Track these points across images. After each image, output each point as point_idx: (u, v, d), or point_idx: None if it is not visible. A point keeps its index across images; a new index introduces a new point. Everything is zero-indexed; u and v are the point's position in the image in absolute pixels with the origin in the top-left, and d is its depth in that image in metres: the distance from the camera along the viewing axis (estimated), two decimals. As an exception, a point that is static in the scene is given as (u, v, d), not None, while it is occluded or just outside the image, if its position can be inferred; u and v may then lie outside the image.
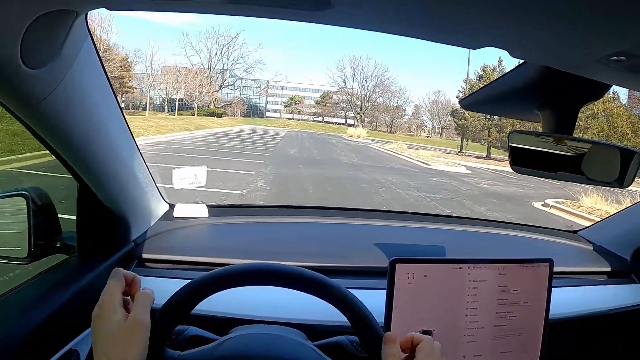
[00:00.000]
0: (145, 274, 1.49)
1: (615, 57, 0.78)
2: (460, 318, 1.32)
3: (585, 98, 1.11)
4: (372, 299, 1.31)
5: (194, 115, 53.77)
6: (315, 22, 0.84)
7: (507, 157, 1.17)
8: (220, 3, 0.80)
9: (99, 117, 1.20)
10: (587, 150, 1.11)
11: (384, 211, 2.28)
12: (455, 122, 47.34)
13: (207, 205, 1.92)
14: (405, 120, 73.10)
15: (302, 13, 0.80)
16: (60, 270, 1.39)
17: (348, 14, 0.83)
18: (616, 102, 33.79)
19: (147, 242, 1.65)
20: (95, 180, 1.34)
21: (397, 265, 1.26)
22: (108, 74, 1.21)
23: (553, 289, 1.55)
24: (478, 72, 42.90)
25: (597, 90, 1.09)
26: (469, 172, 22.71)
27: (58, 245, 1.43)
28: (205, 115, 56.06)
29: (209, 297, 1.07)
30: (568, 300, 1.65)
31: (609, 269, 1.88)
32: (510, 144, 1.11)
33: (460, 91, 46.17)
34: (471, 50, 0.93)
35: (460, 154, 41.25)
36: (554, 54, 0.87)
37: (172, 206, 1.88)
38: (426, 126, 71.30)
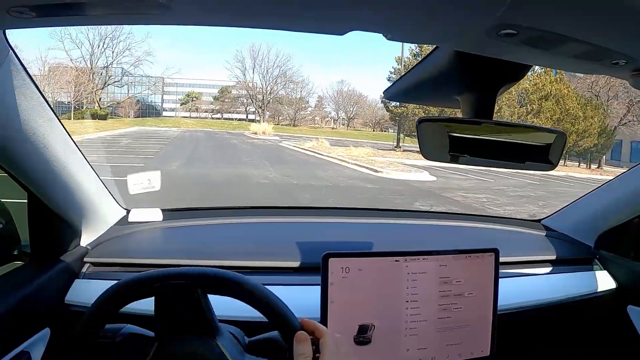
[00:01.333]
0: (98, 277, 1.56)
1: (505, 31, 0.75)
2: (400, 311, 1.31)
3: (502, 80, 1.07)
4: (309, 295, 1.33)
5: (70, 119, 44.80)
6: (163, 24, 0.86)
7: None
8: (82, 16, 0.83)
9: (33, 128, 1.22)
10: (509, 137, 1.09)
11: (328, 208, 2.29)
12: (391, 109, 41.55)
13: (162, 210, 1.94)
14: (309, 112, 69.15)
15: (150, 17, 0.83)
16: (12, 275, 1.42)
17: (192, 13, 0.84)
18: (562, 82, 32.70)
19: (100, 246, 1.68)
20: (39, 189, 1.37)
21: (330, 259, 1.27)
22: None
23: (510, 280, 1.55)
24: (413, 50, 37.56)
25: (515, 71, 1.06)
26: (434, 178, 18.07)
27: (15, 253, 1.50)
28: (83, 119, 47.26)
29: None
30: (525, 291, 1.63)
31: (572, 256, 1.85)
32: (419, 133, 1.09)
33: (391, 72, 41.07)
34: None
35: (397, 149, 34.76)
36: (433, 32, 0.85)
37: (128, 211, 1.90)
38: (330, 117, 67.60)
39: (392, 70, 38.72)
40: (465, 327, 1.36)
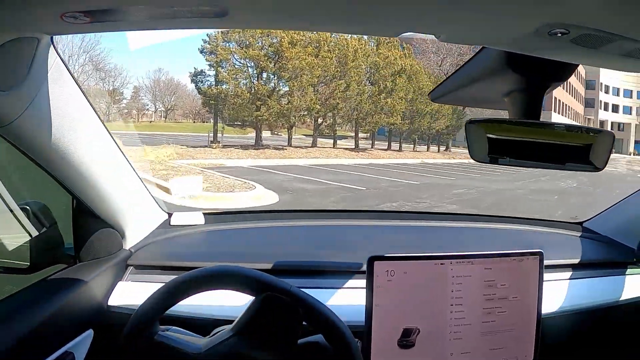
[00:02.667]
0: (141, 279, 1.60)
1: (555, 31, 0.77)
2: (444, 315, 1.32)
3: (549, 79, 1.10)
4: (355, 298, 1.37)
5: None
6: (221, 28, 0.89)
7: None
8: (139, 21, 0.88)
9: (78, 134, 1.27)
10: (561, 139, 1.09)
11: (372, 211, 2.32)
12: (204, 91, 28.03)
13: (203, 213, 1.98)
14: (124, 104, 61.93)
15: (204, 21, 0.85)
16: (57, 278, 1.46)
17: (248, 18, 0.88)
18: (412, 57, 30.23)
19: (143, 249, 1.73)
20: (84, 193, 1.43)
21: (376, 263, 1.28)
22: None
23: (552, 283, 1.55)
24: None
25: (562, 70, 1.08)
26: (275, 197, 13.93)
27: (58, 256, 1.53)
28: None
29: (191, 299, 1.15)
30: (568, 294, 1.62)
31: (615, 259, 1.85)
32: (468, 134, 1.11)
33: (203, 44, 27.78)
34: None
35: (214, 144, 24.35)
36: (485, 33, 0.87)
37: (170, 215, 1.95)
38: (148, 109, 59.60)
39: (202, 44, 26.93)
40: (510, 332, 1.36)
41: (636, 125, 77.55)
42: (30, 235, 1.45)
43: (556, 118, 45.61)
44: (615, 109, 77.72)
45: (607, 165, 1.09)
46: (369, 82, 28.36)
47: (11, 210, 1.47)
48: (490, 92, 1.22)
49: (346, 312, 1.19)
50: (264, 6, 0.80)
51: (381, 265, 1.29)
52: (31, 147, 1.20)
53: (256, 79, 25.54)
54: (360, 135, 29.66)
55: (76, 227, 1.53)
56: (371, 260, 1.28)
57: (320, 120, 27.29)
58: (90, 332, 1.44)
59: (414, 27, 0.84)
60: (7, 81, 0.99)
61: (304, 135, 31.27)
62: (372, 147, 28.88)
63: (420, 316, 1.32)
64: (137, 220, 1.69)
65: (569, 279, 1.69)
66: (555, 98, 47.62)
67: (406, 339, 1.31)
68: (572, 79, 58.41)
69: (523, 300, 1.37)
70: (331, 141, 27.67)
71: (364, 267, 1.31)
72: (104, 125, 1.38)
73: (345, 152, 25.55)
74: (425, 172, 19.83)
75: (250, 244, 1.88)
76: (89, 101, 1.30)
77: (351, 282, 1.54)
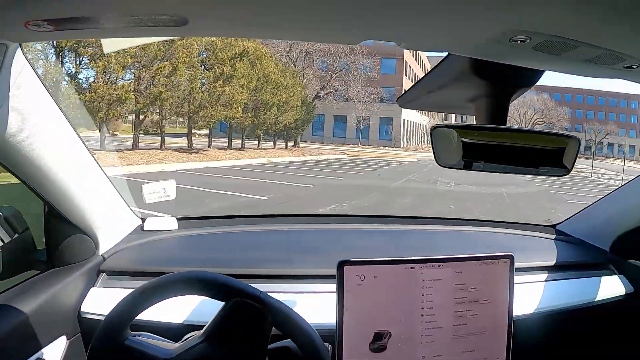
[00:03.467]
0: (113, 285, 1.60)
1: (516, 38, 0.78)
2: (416, 318, 1.33)
3: (515, 85, 1.11)
4: (325, 303, 1.38)
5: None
6: (181, 36, 0.90)
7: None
8: (100, 29, 0.88)
9: (47, 139, 1.28)
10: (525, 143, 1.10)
11: (341, 215, 2.33)
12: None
13: (177, 218, 1.98)
14: None
15: (165, 30, 0.86)
16: (28, 283, 1.47)
17: (208, 26, 0.89)
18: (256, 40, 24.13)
19: (116, 255, 1.73)
20: (54, 199, 1.43)
21: (345, 267, 1.29)
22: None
23: (524, 285, 1.57)
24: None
25: (528, 77, 1.09)
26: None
27: (31, 262, 1.54)
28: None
29: (162, 304, 1.16)
30: (540, 296, 1.65)
31: (588, 260, 1.88)
32: (433, 140, 1.12)
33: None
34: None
35: None
36: (445, 39, 0.88)
37: (143, 220, 1.95)
38: None
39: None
40: (481, 334, 1.38)
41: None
42: (2, 240, 1.44)
43: (405, 110, 44.44)
44: None
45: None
46: (204, 67, 23.12)
47: None
48: (457, 97, 1.23)
49: (317, 317, 1.20)
50: (222, 15, 0.81)
51: (351, 269, 1.30)
52: (1, 153, 1.20)
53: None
54: (201, 132, 26.40)
55: (48, 232, 1.54)
56: (341, 265, 1.30)
57: (142, 116, 21.07)
58: (63, 339, 1.45)
59: (373, 34, 0.85)
60: None
61: (123, 134, 26.67)
62: (209, 147, 23.75)
63: (391, 320, 1.33)
64: (109, 225, 1.70)
65: (542, 281, 1.72)
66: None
67: (378, 343, 1.32)
68: (420, 73, 56.61)
69: (494, 303, 1.38)
70: (159, 140, 21.69)
71: (333, 272, 1.32)
72: (75, 130, 1.39)
73: (174, 155, 20.15)
74: (273, 172, 17.26)
75: (223, 249, 1.89)
76: (58, 106, 1.31)
77: (322, 287, 1.55)
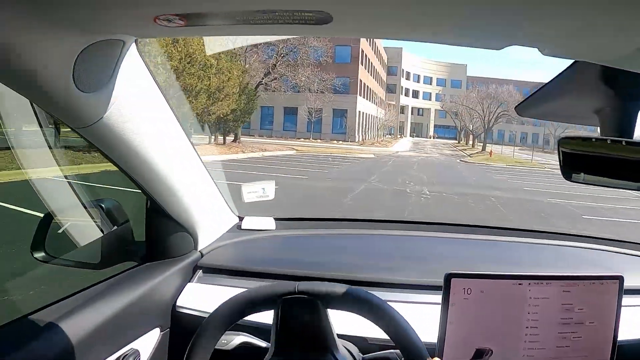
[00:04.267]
0: (209, 282, 1.67)
1: None
2: (519, 337, 1.31)
3: None
4: (427, 314, 1.37)
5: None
6: (323, 36, 0.91)
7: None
8: (236, 25, 0.88)
9: (157, 136, 1.33)
10: None
11: (441, 224, 2.31)
12: None
13: (274, 218, 2.03)
14: None
15: (308, 28, 0.86)
16: (128, 275, 1.55)
17: (352, 25, 0.89)
18: None
19: (213, 252, 1.80)
20: (160, 194, 1.50)
21: (453, 280, 1.28)
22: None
23: (629, 309, 1.50)
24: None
25: None
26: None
27: (129, 253, 1.62)
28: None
29: None
30: None
31: None
32: (561, 149, 1.10)
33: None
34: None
35: None
36: (588, 47, 0.86)
37: (241, 219, 2.00)
38: None
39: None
40: (583, 358, 1.34)
41: (435, 110, 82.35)
42: (102, 231, 1.53)
43: (360, 101, 45.23)
44: (415, 94, 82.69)
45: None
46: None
47: (85, 207, 1.55)
48: (581, 107, 1.21)
49: (418, 328, 1.20)
50: (368, 13, 0.81)
51: (458, 282, 1.28)
52: (111, 148, 1.25)
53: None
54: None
55: (149, 226, 1.62)
56: (448, 277, 1.28)
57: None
58: (156, 331, 1.51)
59: (518, 41, 0.85)
60: (92, 83, 1.04)
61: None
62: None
63: (494, 337, 1.31)
64: (208, 222, 1.76)
65: None
66: (361, 81, 46.12)
67: None
68: (376, 64, 58.94)
69: (599, 325, 1.34)
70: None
71: (437, 282, 1.31)
72: (182, 127, 1.44)
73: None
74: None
75: (322, 253, 1.92)
76: (168, 103, 1.36)
77: (423, 297, 1.55)
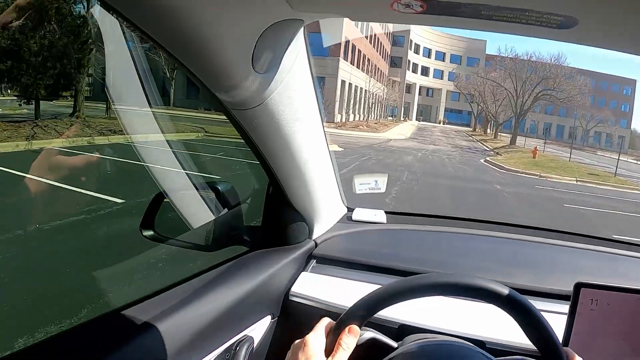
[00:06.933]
0: (322, 272, 1.83)
1: None
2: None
3: None
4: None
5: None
6: (562, 41, 0.97)
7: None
8: (475, 19, 0.95)
9: (302, 122, 1.46)
10: None
11: (563, 232, 2.44)
12: None
13: (385, 212, 2.25)
14: None
15: (546, 31, 0.93)
16: (243, 261, 1.71)
17: (596, 32, 0.94)
18: None
19: (326, 242, 1.98)
20: (287, 182, 1.66)
21: (582, 290, 1.38)
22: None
23: None
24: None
25: None
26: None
27: (240, 237, 1.78)
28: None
29: None
30: None
31: None
32: None
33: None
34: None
35: None
36: None
37: (350, 210, 2.16)
38: None
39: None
40: None
41: (447, 91, 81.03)
42: (214, 214, 1.67)
43: (345, 68, 42.08)
44: (425, 71, 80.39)
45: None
46: None
47: (197, 188, 1.70)
48: None
49: None
50: (615, 20, 0.85)
51: (587, 292, 1.38)
52: (262, 132, 1.38)
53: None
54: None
55: (267, 212, 1.79)
56: (578, 286, 1.38)
57: None
58: (268, 319, 1.66)
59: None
60: (266, 63, 1.14)
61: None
62: None
63: (616, 354, 1.41)
64: (323, 212, 1.92)
65: None
66: (348, 42, 43.24)
67: None
68: (378, 31, 56.08)
69: None
70: None
71: (560, 291, 1.43)
72: (321, 116, 1.56)
73: None
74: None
75: (434, 250, 2.08)
76: (316, 90, 1.47)
77: (544, 305, 1.65)
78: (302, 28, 1.22)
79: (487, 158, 33.11)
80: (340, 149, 25.21)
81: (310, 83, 1.44)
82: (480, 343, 1.51)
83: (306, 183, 1.70)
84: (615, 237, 2.47)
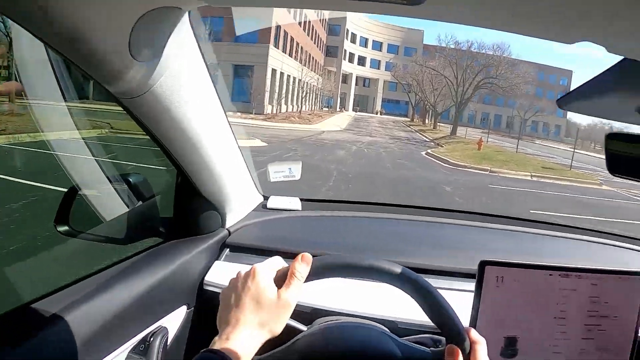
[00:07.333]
0: (237, 260, 1.87)
1: None
2: (547, 327, 1.52)
3: None
4: (456, 301, 1.53)
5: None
6: (412, 17, 1.03)
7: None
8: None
9: (198, 110, 1.49)
10: None
11: (471, 212, 2.54)
12: None
13: (300, 199, 2.32)
14: None
15: (399, 8, 0.97)
16: (155, 252, 1.72)
17: (444, 9, 1.00)
18: None
19: (240, 230, 2.02)
20: (193, 170, 1.68)
21: (487, 267, 1.48)
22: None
23: None
24: None
25: None
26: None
27: (155, 229, 1.81)
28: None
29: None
30: None
31: None
32: (607, 148, 1.31)
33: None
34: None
35: None
36: None
37: (266, 198, 2.22)
38: None
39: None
40: (605, 351, 1.56)
41: (384, 81, 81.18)
42: (128, 206, 1.71)
43: (276, 55, 40.60)
44: (361, 61, 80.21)
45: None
46: None
47: (111, 181, 1.73)
48: (627, 105, 1.37)
49: None
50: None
51: (492, 270, 1.47)
52: (153, 120, 1.41)
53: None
54: None
55: (178, 203, 1.82)
56: (482, 264, 1.46)
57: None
58: (183, 309, 1.69)
59: (588, 36, 0.99)
60: (145, 51, 1.17)
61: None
62: None
63: (522, 325, 1.51)
64: (236, 200, 1.96)
65: None
66: (279, 27, 41.88)
67: (511, 348, 1.51)
68: (313, 18, 54.11)
69: (622, 320, 1.55)
70: None
71: (469, 270, 1.52)
72: (221, 103, 1.60)
73: None
74: None
75: (349, 235, 2.14)
76: (211, 77, 1.51)
77: (454, 284, 1.78)
78: (187, 15, 1.26)
79: (429, 150, 31.86)
80: (264, 144, 23.05)
81: (204, 70, 1.48)
82: (392, 324, 1.61)
83: (213, 172, 1.73)
84: (522, 216, 2.58)
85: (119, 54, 1.12)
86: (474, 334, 1.30)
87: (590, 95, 1.44)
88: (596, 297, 1.54)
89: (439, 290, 1.33)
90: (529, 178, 24.98)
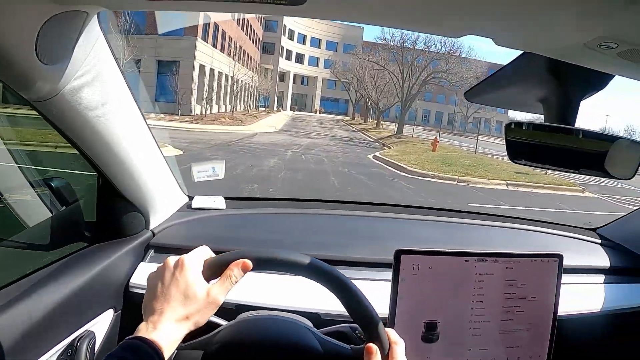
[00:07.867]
0: (161, 261, 1.83)
1: (605, 44, 0.97)
2: (465, 311, 1.61)
3: (587, 88, 1.36)
4: (377, 290, 1.63)
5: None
6: (295, 16, 1.10)
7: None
8: (205, 0, 1.06)
9: (113, 112, 1.51)
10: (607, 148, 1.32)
11: (389, 205, 2.63)
12: None
13: (225, 198, 2.35)
14: None
15: (281, 8, 1.02)
16: (79, 256, 1.73)
17: (326, 7, 1.06)
18: None
19: (165, 231, 2.05)
20: (112, 173, 1.69)
21: (402, 256, 1.55)
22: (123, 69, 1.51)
23: (567, 285, 1.83)
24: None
25: (600, 80, 1.35)
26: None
27: (79, 233, 1.81)
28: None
29: None
30: (581, 297, 2.01)
31: (626, 266, 2.27)
32: (507, 136, 1.36)
33: None
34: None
35: None
36: (539, 40, 1.08)
37: (191, 198, 2.27)
38: None
39: None
40: (526, 331, 1.65)
41: (323, 79, 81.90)
42: (51, 211, 1.70)
43: (204, 50, 38.52)
44: (299, 59, 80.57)
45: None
46: None
47: (33, 186, 1.73)
48: (527, 96, 1.48)
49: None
50: None
51: (408, 258, 1.55)
52: (67, 123, 1.43)
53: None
54: None
55: (100, 206, 1.82)
56: (398, 253, 1.54)
57: None
58: (110, 312, 1.71)
59: (474, 30, 1.06)
60: (53, 54, 1.19)
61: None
62: None
63: (442, 311, 1.59)
64: (159, 201, 1.98)
65: (584, 283, 2.09)
66: (217, 27, 40.97)
67: (431, 333, 1.58)
68: (249, 15, 46.09)
69: (541, 301, 1.65)
70: None
71: (387, 259, 1.56)
72: (137, 104, 1.63)
73: None
74: None
75: (273, 231, 2.20)
76: (125, 79, 1.53)
77: (374, 274, 1.86)
78: (95, 17, 1.28)
79: (377, 153, 27.84)
80: (179, 152, 18.54)
81: (117, 71, 1.50)
82: (315, 315, 1.68)
83: (133, 173, 1.74)
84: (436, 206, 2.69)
85: (26, 58, 1.13)
86: (392, 334, 1.36)
87: (496, 87, 1.54)
88: (513, 280, 1.63)
89: (358, 281, 1.38)
90: (504, 187, 21.26)
